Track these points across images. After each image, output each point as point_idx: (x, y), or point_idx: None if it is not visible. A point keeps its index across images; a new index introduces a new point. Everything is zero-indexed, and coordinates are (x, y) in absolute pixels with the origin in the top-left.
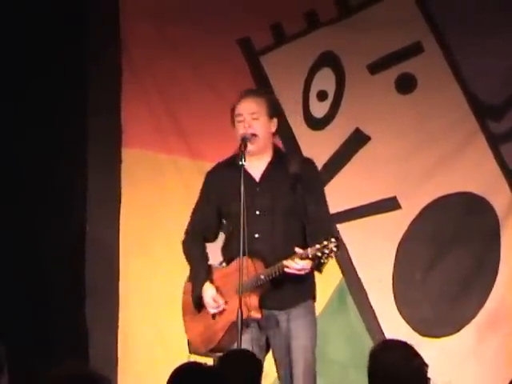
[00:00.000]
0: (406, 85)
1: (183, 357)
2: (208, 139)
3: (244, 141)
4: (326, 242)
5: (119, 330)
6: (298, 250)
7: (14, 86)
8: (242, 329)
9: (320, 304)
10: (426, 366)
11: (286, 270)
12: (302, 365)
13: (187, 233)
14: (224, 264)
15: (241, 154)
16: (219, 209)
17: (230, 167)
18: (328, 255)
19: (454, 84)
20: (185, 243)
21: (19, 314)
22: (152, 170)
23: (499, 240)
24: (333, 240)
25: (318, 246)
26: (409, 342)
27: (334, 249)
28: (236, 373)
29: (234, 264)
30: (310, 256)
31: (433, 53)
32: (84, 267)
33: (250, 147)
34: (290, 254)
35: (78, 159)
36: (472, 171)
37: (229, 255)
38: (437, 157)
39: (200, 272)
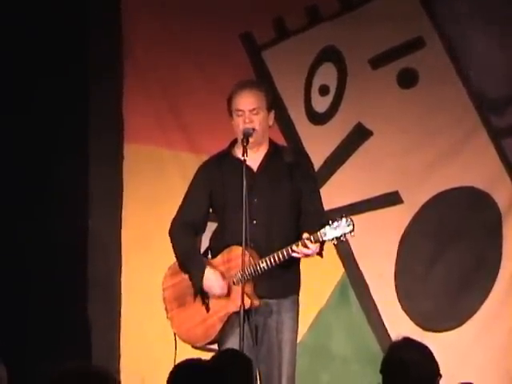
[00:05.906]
0: (407, 79)
1: (186, 352)
2: (210, 133)
3: (246, 135)
4: (335, 224)
5: (121, 326)
6: (306, 234)
7: (14, 83)
8: (244, 321)
9: (322, 298)
10: (440, 376)
11: (294, 254)
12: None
13: (176, 223)
14: (209, 255)
15: (243, 148)
16: (211, 201)
17: (224, 159)
18: (340, 238)
19: (455, 78)
20: (175, 234)
21: (21, 311)
22: (154, 165)
23: (501, 234)
24: (344, 221)
25: (327, 227)
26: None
27: (347, 229)
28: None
29: (225, 254)
30: (322, 239)
31: (434, 47)
32: (86, 263)
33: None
34: (287, 241)
35: (80, 154)
36: (474, 166)
37: (221, 245)
38: (439, 151)
39: (198, 261)
